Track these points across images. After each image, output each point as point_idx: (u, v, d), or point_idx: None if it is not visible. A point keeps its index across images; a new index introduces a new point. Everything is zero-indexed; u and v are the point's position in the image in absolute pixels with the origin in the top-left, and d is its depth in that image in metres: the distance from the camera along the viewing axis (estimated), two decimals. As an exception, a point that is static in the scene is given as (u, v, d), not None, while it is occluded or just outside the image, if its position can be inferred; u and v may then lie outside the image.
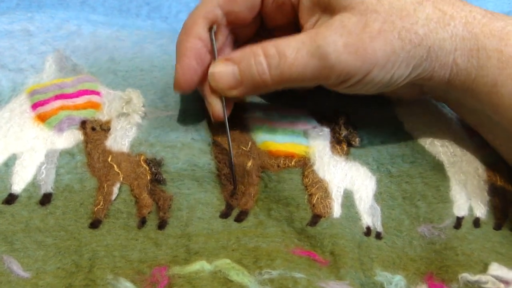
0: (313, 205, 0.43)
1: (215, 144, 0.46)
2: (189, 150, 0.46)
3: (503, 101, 0.41)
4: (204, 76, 0.45)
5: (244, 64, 0.42)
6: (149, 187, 0.43)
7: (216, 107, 0.44)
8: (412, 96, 0.49)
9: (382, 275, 0.40)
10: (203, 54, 0.44)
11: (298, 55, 0.41)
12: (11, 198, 0.41)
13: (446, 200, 0.45)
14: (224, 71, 0.43)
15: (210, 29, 0.44)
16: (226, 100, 0.44)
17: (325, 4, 0.42)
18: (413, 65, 0.41)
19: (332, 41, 0.40)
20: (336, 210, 0.43)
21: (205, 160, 0.45)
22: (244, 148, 0.46)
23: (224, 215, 0.43)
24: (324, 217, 0.42)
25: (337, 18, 0.41)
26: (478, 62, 0.41)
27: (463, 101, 0.44)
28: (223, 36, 0.46)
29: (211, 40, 0.44)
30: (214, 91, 0.44)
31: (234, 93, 0.43)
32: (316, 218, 0.42)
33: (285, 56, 0.41)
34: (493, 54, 0.40)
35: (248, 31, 0.48)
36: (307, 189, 0.44)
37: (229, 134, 0.44)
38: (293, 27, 0.46)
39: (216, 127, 0.47)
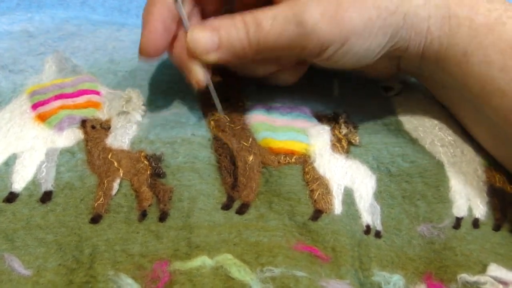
0: (315, 200, 0.43)
1: (215, 139, 0.46)
2: (189, 145, 0.46)
3: (473, 70, 0.41)
4: (172, 44, 0.45)
5: (223, 30, 0.42)
6: (149, 181, 0.43)
7: (197, 72, 0.44)
8: (390, 73, 0.49)
9: (379, 275, 0.40)
10: (169, 22, 0.44)
11: (275, 22, 0.41)
12: (11, 197, 0.41)
13: (445, 200, 0.45)
14: (202, 35, 0.43)
15: None
16: (205, 67, 0.44)
17: None
18: (390, 34, 0.42)
19: (309, 9, 0.40)
20: (337, 207, 0.43)
21: (205, 153, 0.45)
22: (245, 143, 0.46)
23: (226, 206, 0.42)
24: (326, 212, 0.42)
25: None
26: (450, 30, 0.42)
27: (435, 76, 0.45)
28: (189, 5, 0.46)
29: (179, 7, 0.44)
30: (192, 57, 0.44)
31: (212, 57, 0.43)
32: (317, 213, 0.42)
33: (262, 23, 0.41)
34: (464, 22, 0.41)
35: (214, 7, 0.48)
36: (308, 185, 0.44)
37: (216, 96, 0.45)
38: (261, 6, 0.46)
39: (215, 119, 0.47)
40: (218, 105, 0.45)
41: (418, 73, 0.49)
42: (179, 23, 0.45)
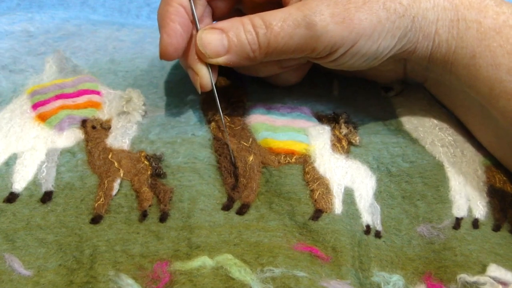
0: (315, 200, 0.43)
1: (215, 139, 0.46)
2: (189, 145, 0.46)
3: (481, 73, 0.42)
4: (187, 45, 0.45)
5: (233, 32, 0.42)
6: (150, 182, 0.43)
7: (204, 75, 0.44)
8: (395, 76, 0.49)
9: (379, 275, 0.40)
10: (186, 21, 0.44)
11: (285, 24, 0.41)
12: (12, 197, 0.41)
13: (445, 201, 0.45)
14: (212, 37, 0.43)
15: None
16: (212, 70, 0.44)
17: None
18: (398, 36, 0.42)
19: (318, 10, 0.41)
20: (338, 207, 0.43)
21: (205, 153, 0.45)
22: (245, 143, 0.46)
23: (226, 207, 0.42)
24: (326, 212, 0.42)
25: None
26: (458, 33, 0.42)
27: (442, 79, 0.45)
28: (202, 6, 0.46)
29: (192, 8, 0.44)
30: (200, 59, 0.44)
31: (221, 60, 0.43)
32: (318, 213, 0.42)
33: (272, 26, 0.41)
34: (472, 25, 0.41)
35: (225, 6, 0.48)
36: (308, 184, 0.44)
37: (218, 102, 0.45)
38: (272, 6, 0.46)
39: (215, 118, 0.47)
40: (220, 111, 0.45)
41: (424, 77, 0.49)
42: (193, 20, 0.45)
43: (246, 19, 0.42)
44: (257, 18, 0.42)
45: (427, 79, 0.49)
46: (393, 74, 0.49)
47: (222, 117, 0.45)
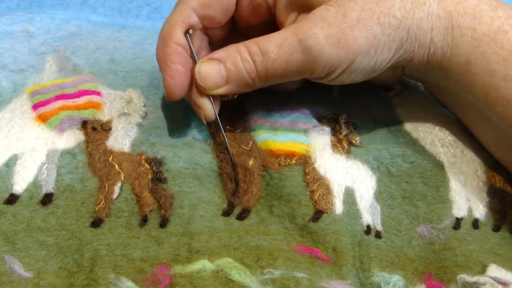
0: (315, 201, 0.43)
1: (216, 143, 0.46)
2: (190, 149, 0.46)
3: (476, 80, 0.41)
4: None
5: (230, 61, 0.42)
6: (150, 186, 0.43)
7: (206, 108, 0.44)
8: (394, 79, 0.50)
9: (379, 276, 0.40)
10: (186, 59, 0.44)
11: (281, 50, 0.41)
12: (12, 198, 0.41)
13: (445, 201, 0.45)
14: (210, 69, 0.43)
15: (186, 33, 0.44)
16: (214, 99, 0.44)
17: (302, 1, 0.43)
18: (395, 48, 0.42)
19: (313, 34, 0.40)
20: (338, 207, 0.43)
21: (207, 159, 0.46)
22: (245, 147, 0.46)
23: (226, 213, 0.43)
24: (327, 213, 0.42)
25: (316, 11, 0.41)
26: (453, 40, 0.42)
27: (440, 83, 0.45)
28: (199, 39, 0.46)
29: (189, 43, 0.44)
30: (201, 92, 0.44)
31: (221, 91, 0.43)
32: (318, 214, 0.42)
33: (268, 52, 0.41)
34: (467, 32, 0.41)
35: (221, 33, 0.48)
36: (308, 185, 0.44)
37: (223, 131, 0.45)
38: (266, 27, 0.46)
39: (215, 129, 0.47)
40: (224, 138, 0.45)
41: (423, 79, 0.49)
42: (191, 55, 0.45)
43: (242, 47, 0.42)
44: (253, 45, 0.42)
45: (426, 81, 0.49)
46: (391, 78, 0.49)
47: (226, 142, 0.45)
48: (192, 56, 0.44)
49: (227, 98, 0.49)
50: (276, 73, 0.42)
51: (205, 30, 0.46)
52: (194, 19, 0.44)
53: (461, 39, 0.41)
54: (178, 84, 0.43)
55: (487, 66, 0.41)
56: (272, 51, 0.41)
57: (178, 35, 0.44)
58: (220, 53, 0.43)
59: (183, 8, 0.44)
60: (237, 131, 0.47)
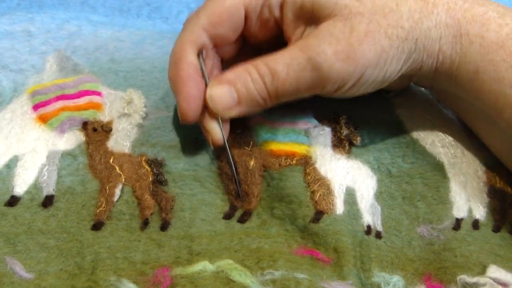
0: (316, 202, 0.43)
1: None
2: (190, 150, 0.46)
3: (484, 88, 0.41)
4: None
5: (240, 83, 0.42)
6: (151, 188, 0.43)
7: (215, 133, 0.44)
8: (401, 87, 0.50)
9: (379, 276, 0.40)
10: (198, 81, 0.44)
11: (290, 70, 0.41)
12: (13, 200, 0.42)
13: (445, 201, 0.45)
14: (221, 92, 0.42)
15: (199, 54, 0.44)
16: (223, 123, 0.44)
17: (308, 15, 0.43)
18: (403, 59, 0.42)
19: (321, 51, 0.40)
20: (339, 207, 0.43)
21: (207, 160, 0.46)
22: (246, 148, 0.46)
23: (228, 216, 0.43)
24: (327, 213, 0.42)
25: (323, 26, 0.41)
26: (461, 48, 0.41)
27: (448, 90, 0.45)
28: (211, 59, 0.46)
29: (201, 65, 0.44)
30: (211, 115, 0.44)
31: (233, 113, 0.43)
32: (319, 215, 0.42)
33: (277, 72, 0.41)
34: (475, 40, 0.41)
35: (232, 50, 0.48)
36: (309, 186, 0.44)
37: (230, 156, 0.44)
38: (276, 40, 0.46)
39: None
40: (232, 165, 0.45)
41: (431, 86, 0.49)
42: (203, 76, 0.44)
43: (251, 67, 0.42)
44: (262, 66, 0.42)
45: (433, 88, 0.49)
46: (399, 86, 0.49)
47: (233, 169, 0.45)
48: (203, 77, 0.44)
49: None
50: (287, 92, 0.42)
51: (216, 48, 0.46)
52: (204, 39, 0.44)
53: (470, 47, 0.41)
54: (193, 108, 0.43)
55: (496, 73, 0.41)
56: (282, 70, 0.41)
57: (190, 56, 0.43)
58: (229, 74, 0.43)
59: (193, 28, 0.44)
60: (237, 131, 0.47)
